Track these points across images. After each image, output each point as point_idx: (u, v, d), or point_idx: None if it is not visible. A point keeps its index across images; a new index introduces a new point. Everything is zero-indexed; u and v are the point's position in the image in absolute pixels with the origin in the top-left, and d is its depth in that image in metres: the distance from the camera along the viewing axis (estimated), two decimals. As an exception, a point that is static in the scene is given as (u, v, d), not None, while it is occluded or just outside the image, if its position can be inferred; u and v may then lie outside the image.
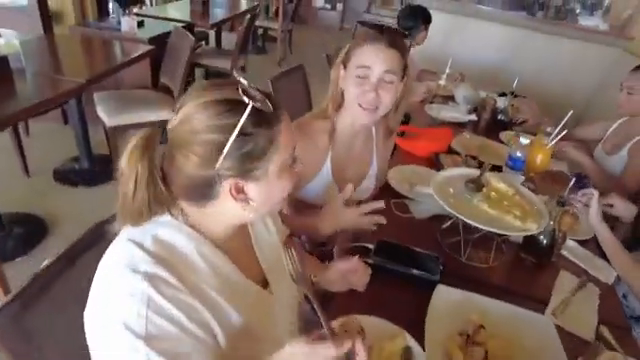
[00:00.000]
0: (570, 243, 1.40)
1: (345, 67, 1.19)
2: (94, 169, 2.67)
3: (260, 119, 0.66)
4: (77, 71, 2.24)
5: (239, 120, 0.64)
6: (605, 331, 1.10)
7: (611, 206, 1.45)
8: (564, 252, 1.36)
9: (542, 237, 1.27)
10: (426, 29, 2.64)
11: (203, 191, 0.68)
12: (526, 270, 1.30)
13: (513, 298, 1.16)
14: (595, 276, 1.30)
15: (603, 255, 1.36)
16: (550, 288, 1.22)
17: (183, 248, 0.70)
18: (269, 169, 0.69)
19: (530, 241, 1.29)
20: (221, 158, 0.65)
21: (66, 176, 2.66)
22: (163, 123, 0.70)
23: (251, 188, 0.69)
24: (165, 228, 0.70)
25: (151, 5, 4.49)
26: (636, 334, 1.38)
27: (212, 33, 4.46)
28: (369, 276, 1.02)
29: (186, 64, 2.45)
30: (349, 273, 1.01)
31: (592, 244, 1.43)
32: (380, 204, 1.10)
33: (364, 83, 1.15)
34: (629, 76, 1.90)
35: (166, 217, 0.71)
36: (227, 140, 0.64)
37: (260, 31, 5.68)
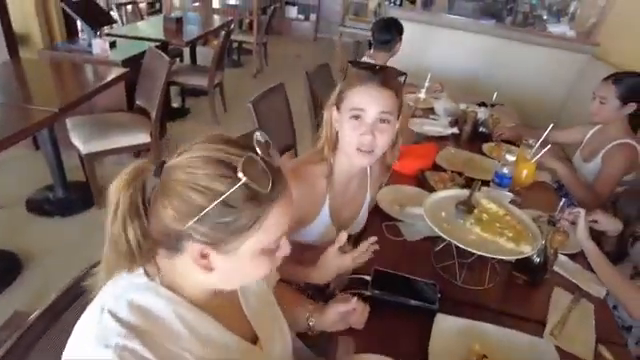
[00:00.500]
0: (561, 258, 1.42)
1: (338, 109, 1.16)
2: (70, 198, 2.55)
3: (252, 195, 0.61)
4: (49, 99, 2.14)
5: (227, 190, 0.60)
6: (603, 350, 1.11)
7: (596, 222, 1.47)
8: (556, 268, 1.38)
9: (534, 256, 1.27)
10: (400, 40, 2.67)
11: (171, 242, 0.64)
12: (520, 289, 1.31)
13: (511, 320, 1.17)
14: (587, 291, 1.31)
15: (592, 268, 1.37)
16: (546, 306, 1.23)
17: (160, 312, 0.66)
18: (242, 247, 0.64)
19: (522, 260, 1.29)
20: (193, 220, 0.60)
21: (40, 206, 2.53)
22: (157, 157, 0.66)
23: (216, 258, 0.64)
24: (141, 292, 0.66)
25: (122, 24, 4.40)
26: (628, 345, 1.41)
27: (186, 49, 4.40)
28: (368, 313, 1.01)
29: (163, 85, 2.38)
30: (348, 314, 0.99)
31: (582, 257, 1.45)
32: (373, 239, 1.09)
33: (360, 125, 1.11)
34: (600, 85, 1.91)
35: (142, 278, 0.67)
36: (207, 206, 0.60)
37: (235, 44, 5.64)
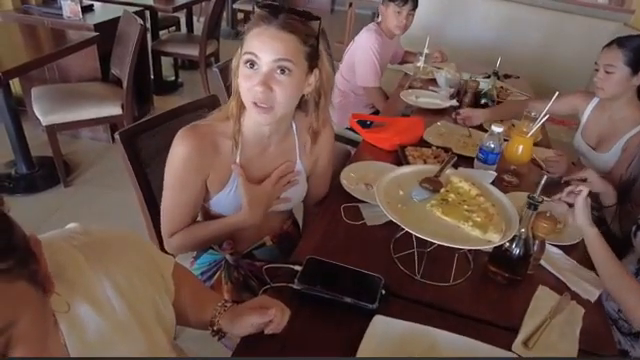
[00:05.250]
0: (552, 250, 1.17)
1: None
2: (34, 174, 2.37)
3: None
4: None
5: None
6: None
7: (585, 180, 1.22)
8: (543, 262, 1.13)
9: (514, 246, 1.04)
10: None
11: None
12: (497, 288, 1.07)
13: (479, 326, 0.94)
14: (575, 291, 1.06)
15: (591, 264, 1.11)
16: (525, 310, 1.00)
17: None
18: None
19: (500, 252, 1.06)
20: None
21: (0, 183, 2.34)
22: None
23: None
24: None
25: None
26: (636, 353, 1.16)
27: (184, 19, 4.18)
28: (288, 317, 0.84)
29: (134, 52, 2.19)
30: (263, 323, 0.83)
31: (580, 251, 1.19)
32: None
33: (254, 75, 0.94)
34: (603, 53, 1.60)
35: None
36: None
37: (240, 15, 5.36)
